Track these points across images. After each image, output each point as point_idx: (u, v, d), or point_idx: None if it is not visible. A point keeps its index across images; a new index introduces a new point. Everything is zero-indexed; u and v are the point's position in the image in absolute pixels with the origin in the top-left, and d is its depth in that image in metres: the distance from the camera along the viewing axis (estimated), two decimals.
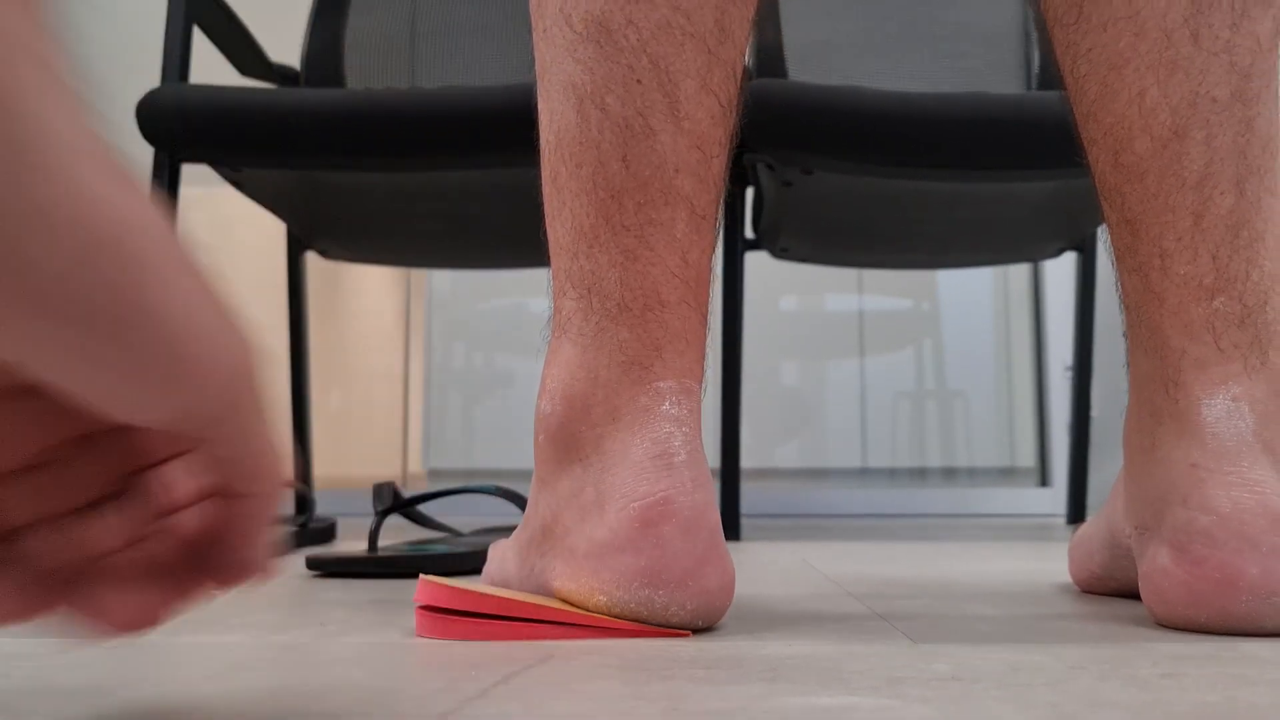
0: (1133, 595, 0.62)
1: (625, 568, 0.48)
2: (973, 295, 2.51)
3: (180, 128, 1.18)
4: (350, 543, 1.10)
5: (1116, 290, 0.57)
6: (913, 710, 0.33)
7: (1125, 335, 0.56)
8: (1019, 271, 2.42)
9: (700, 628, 0.50)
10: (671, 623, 0.49)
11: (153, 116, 1.17)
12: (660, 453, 0.49)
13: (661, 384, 0.51)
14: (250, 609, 0.59)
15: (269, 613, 0.58)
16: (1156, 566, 0.51)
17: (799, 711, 0.33)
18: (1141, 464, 0.53)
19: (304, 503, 1.13)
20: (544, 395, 0.54)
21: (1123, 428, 0.57)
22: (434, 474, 2.71)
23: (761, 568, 0.88)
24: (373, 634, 0.50)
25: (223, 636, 0.49)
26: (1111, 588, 0.64)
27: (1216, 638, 0.48)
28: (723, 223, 0.57)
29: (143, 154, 1.23)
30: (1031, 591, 0.68)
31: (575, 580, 0.50)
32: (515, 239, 1.28)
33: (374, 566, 0.76)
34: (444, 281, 2.74)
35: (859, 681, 0.38)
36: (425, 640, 0.48)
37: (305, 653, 0.45)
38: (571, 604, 0.51)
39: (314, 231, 1.52)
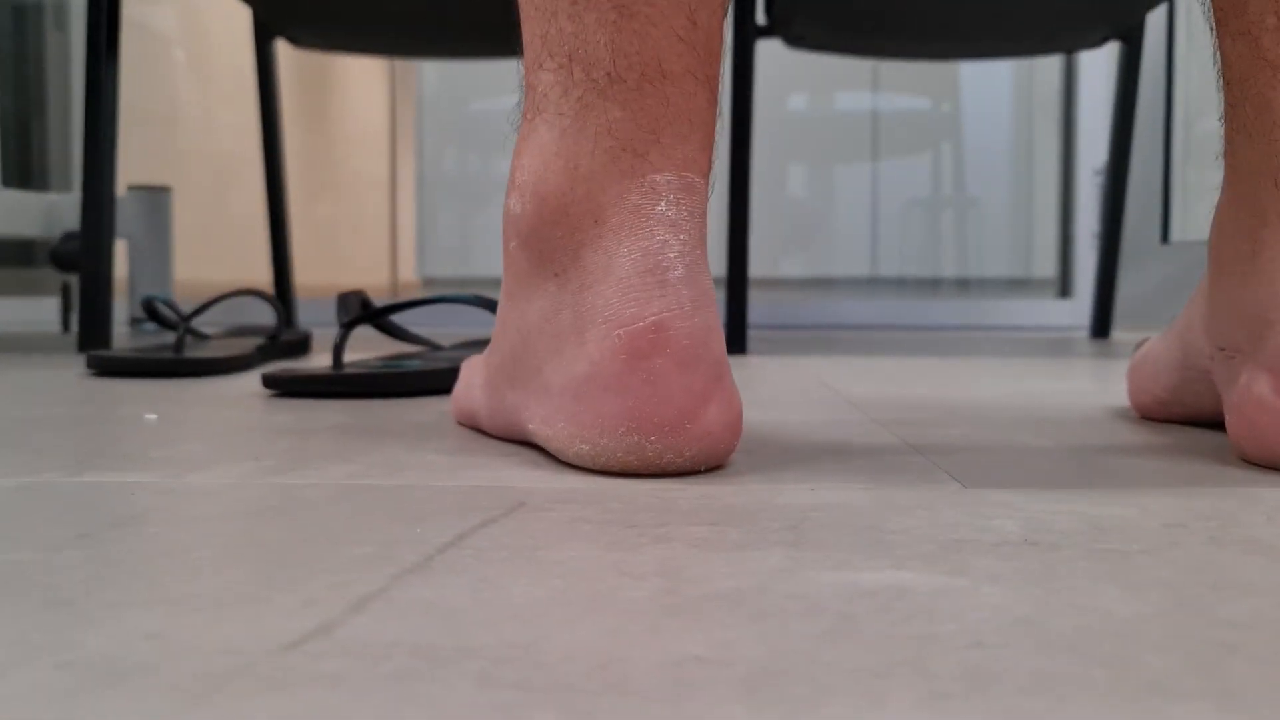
0: (1204, 424, 0.54)
1: (610, 410, 0.39)
2: (996, 94, 2.35)
3: None
4: (323, 358, 1.02)
5: (1215, 61, 0.47)
6: (984, 594, 0.25)
7: (1222, 118, 0.46)
8: (1047, 69, 2.25)
9: (702, 471, 0.41)
10: (667, 471, 0.40)
11: None
12: (652, 266, 0.39)
13: (658, 177, 0.41)
14: (180, 438, 0.51)
15: (199, 443, 0.50)
16: (1251, 396, 0.42)
17: (835, 595, 0.25)
18: (1237, 275, 0.44)
19: (278, 314, 1.04)
20: (513, 191, 0.44)
21: (1210, 230, 0.47)
22: (429, 282, 2.63)
23: (773, 389, 0.79)
24: (312, 472, 0.42)
25: (127, 475, 0.41)
26: (1178, 414, 0.56)
27: None
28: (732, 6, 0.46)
29: None
30: (1084, 417, 0.60)
31: (551, 425, 0.42)
32: (501, 23, 1.15)
33: (335, 385, 0.67)
34: (433, 80, 2.58)
35: (907, 547, 0.30)
36: (373, 482, 0.40)
37: (222, 499, 0.37)
38: (550, 451, 0.42)
39: (281, 16, 1.39)
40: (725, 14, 0.43)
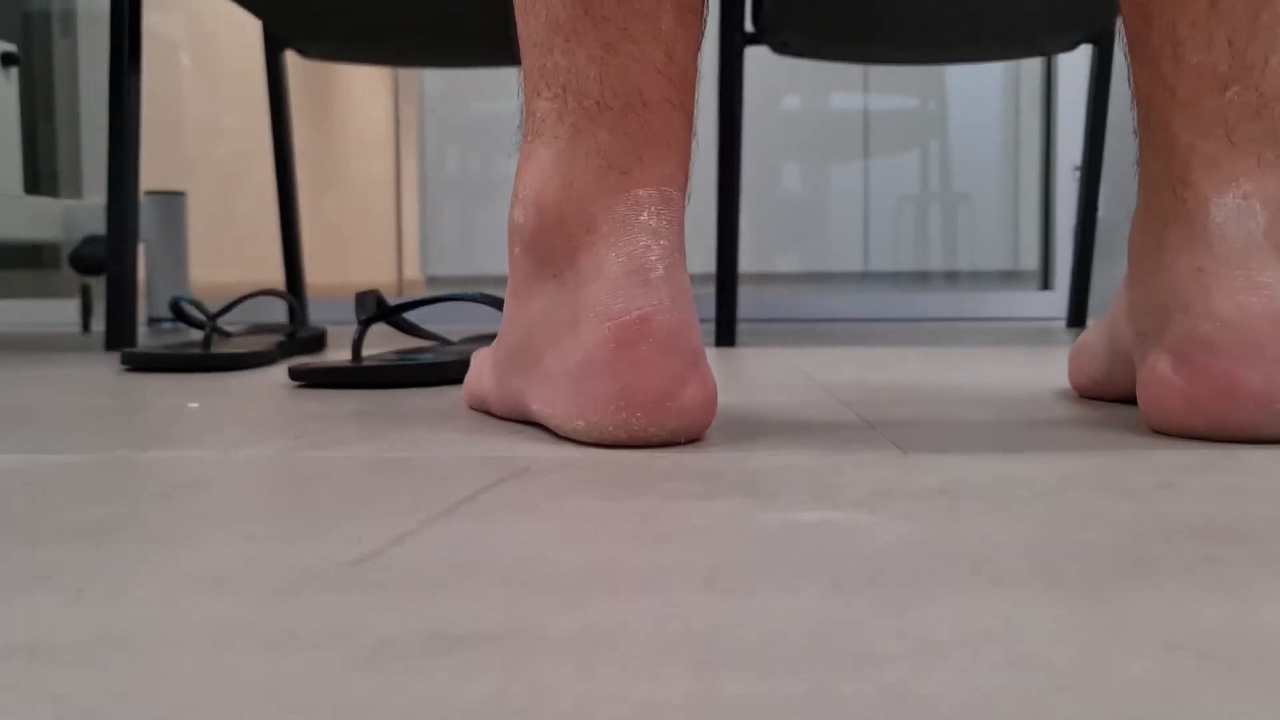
0: (1131, 401, 0.61)
1: (602, 391, 0.46)
2: (982, 94, 2.42)
3: None
4: (339, 352, 1.09)
5: (1129, 85, 0.53)
6: (894, 526, 0.32)
7: (1136, 134, 0.53)
8: (1030, 69, 2.32)
9: (682, 443, 0.48)
10: (652, 443, 0.47)
11: None
12: (637, 268, 0.46)
13: (640, 192, 0.47)
14: (224, 423, 0.57)
15: (242, 426, 0.56)
16: (1155, 374, 0.49)
17: (775, 528, 0.32)
18: (1146, 269, 0.51)
19: (294, 312, 1.11)
20: (516, 204, 0.51)
21: (1129, 231, 0.54)
22: (432, 281, 2.69)
23: (753, 376, 0.86)
24: (346, 448, 0.49)
25: (188, 451, 0.48)
26: (1110, 393, 0.62)
27: (1215, 446, 0.46)
28: (708, 17, 0.53)
29: None
30: (1028, 397, 0.67)
31: (552, 405, 0.49)
32: (502, 35, 1.22)
33: (357, 376, 0.74)
34: (435, 84, 2.64)
35: (842, 495, 0.37)
36: (400, 454, 0.47)
37: (270, 467, 0.44)
38: (551, 428, 0.49)
39: (290, 29, 1.45)
40: (699, 49, 0.50)
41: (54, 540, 0.31)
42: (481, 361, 0.60)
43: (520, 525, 0.33)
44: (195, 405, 0.64)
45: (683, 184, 0.49)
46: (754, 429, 0.53)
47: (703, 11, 0.50)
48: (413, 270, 2.78)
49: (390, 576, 0.27)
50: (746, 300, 1.31)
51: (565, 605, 0.25)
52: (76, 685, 0.20)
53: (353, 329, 0.80)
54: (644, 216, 0.47)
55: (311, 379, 0.75)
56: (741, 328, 1.32)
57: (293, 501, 0.37)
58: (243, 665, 0.21)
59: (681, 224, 0.49)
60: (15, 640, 0.22)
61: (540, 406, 0.50)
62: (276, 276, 1.60)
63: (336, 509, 0.35)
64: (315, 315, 1.65)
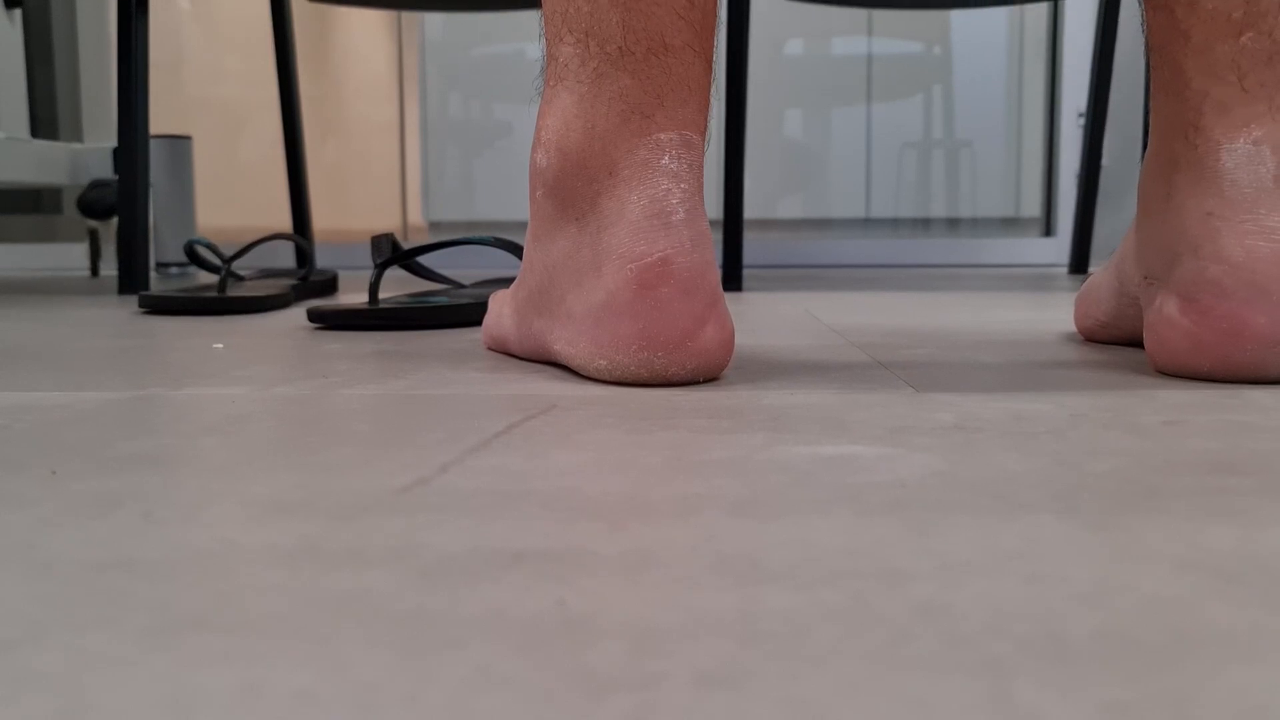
0: (1137, 344, 0.62)
1: (624, 332, 0.47)
2: (987, 39, 2.41)
3: None
4: (351, 296, 1.10)
5: (1142, 30, 0.54)
6: (916, 459, 0.33)
7: (1147, 79, 0.54)
8: (1036, 15, 2.31)
9: (701, 382, 0.49)
10: (672, 382, 0.48)
11: None
12: (658, 211, 0.47)
13: (662, 135, 0.48)
14: (251, 361, 0.59)
15: (270, 365, 0.58)
16: (1162, 316, 0.50)
17: (802, 460, 0.33)
18: (1155, 213, 0.52)
19: (304, 256, 1.12)
20: (539, 147, 0.52)
21: (1139, 176, 0.55)
22: (435, 226, 2.69)
23: (764, 319, 0.87)
24: (375, 385, 0.50)
25: (224, 389, 0.49)
26: (1116, 336, 0.64)
27: (1220, 386, 0.48)
28: None
29: None
30: (1036, 340, 0.68)
31: (574, 345, 0.50)
32: None
33: (375, 319, 0.75)
34: (437, 27, 2.63)
35: (862, 431, 0.38)
36: (429, 392, 0.48)
37: (307, 404, 0.45)
38: (573, 368, 0.51)
39: None
40: None
41: (115, 470, 0.32)
42: (501, 303, 0.61)
43: (556, 456, 0.34)
44: (220, 346, 0.65)
45: (703, 128, 0.50)
46: (770, 369, 0.55)
47: None
48: (416, 215, 2.78)
49: (441, 500, 0.29)
50: (749, 246, 1.32)
51: (608, 529, 0.26)
52: (169, 594, 0.21)
53: (359, 273, 0.81)
54: (665, 160, 0.48)
55: (331, 320, 0.76)
56: (745, 273, 1.34)
57: (336, 435, 0.39)
58: (318, 579, 0.22)
59: (701, 168, 0.50)
60: (104, 557, 0.24)
61: (562, 347, 0.52)
62: (280, 221, 1.60)
63: (379, 441, 0.37)
64: (320, 260, 1.66)
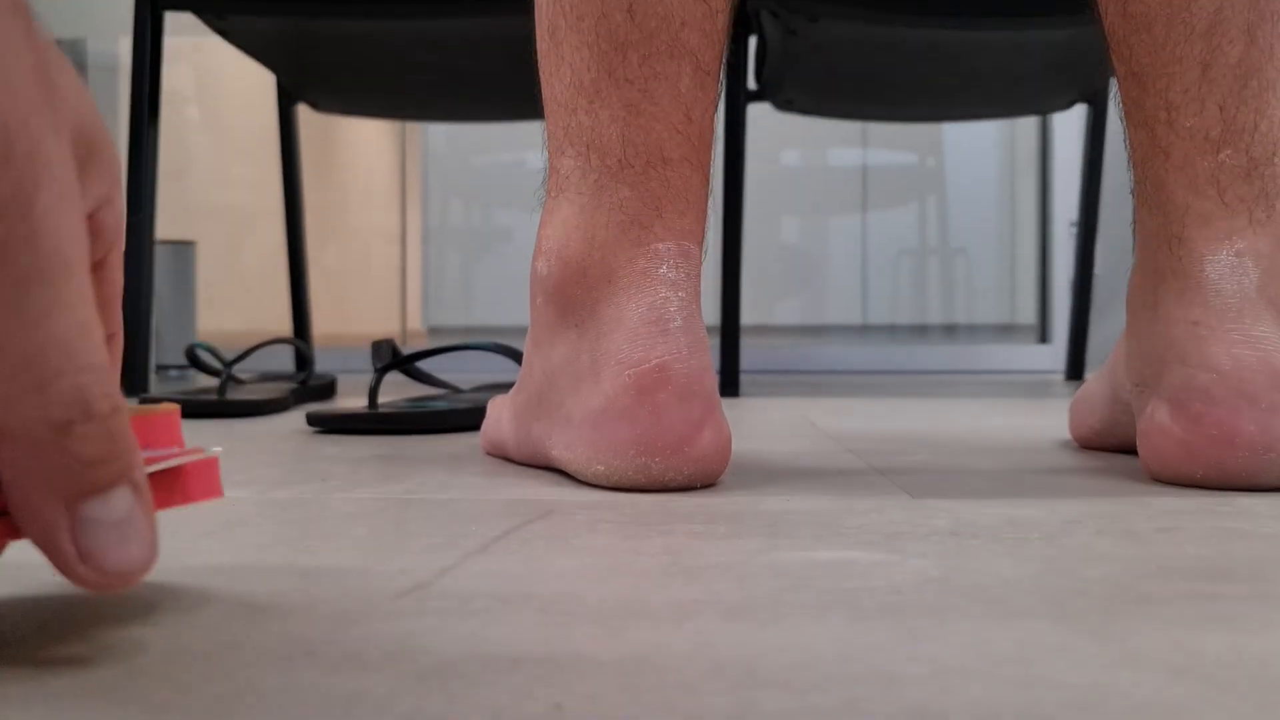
0: (1131, 452, 0.62)
1: (622, 437, 0.48)
2: (979, 150, 2.46)
3: None
4: (350, 399, 1.11)
5: (1125, 147, 0.56)
6: (910, 564, 0.34)
7: (1133, 192, 0.55)
8: (1026, 127, 2.37)
9: (698, 488, 0.50)
10: (669, 487, 0.49)
11: None
12: (656, 318, 0.48)
13: (660, 245, 0.50)
14: (251, 465, 0.59)
15: (270, 468, 0.58)
16: (1154, 423, 0.51)
17: (798, 565, 0.34)
18: (1143, 322, 0.53)
19: (303, 360, 1.13)
20: (540, 256, 0.53)
21: (1127, 286, 0.56)
22: (434, 331, 2.71)
23: (761, 425, 0.88)
24: (374, 489, 0.50)
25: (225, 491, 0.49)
26: (1111, 444, 0.64)
27: (1212, 493, 0.48)
28: (725, 77, 0.56)
29: (125, 2, 1.19)
30: (1030, 446, 0.69)
31: (572, 450, 0.50)
32: (511, 91, 1.25)
33: (374, 423, 0.76)
34: (440, 136, 2.69)
35: (857, 536, 0.38)
36: (427, 496, 0.48)
37: (306, 508, 0.45)
38: (571, 473, 0.51)
39: (304, 83, 1.49)
40: (715, 110, 0.53)
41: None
42: (499, 408, 0.62)
43: (553, 561, 0.34)
44: (219, 450, 0.66)
45: (700, 238, 0.52)
46: (767, 475, 0.55)
47: (719, 75, 0.53)
48: (415, 321, 2.81)
49: (439, 604, 0.29)
50: (747, 351, 1.33)
51: (605, 633, 0.26)
52: (170, 697, 0.21)
53: (358, 377, 0.82)
54: (663, 269, 0.49)
55: (330, 424, 0.77)
56: (743, 379, 1.35)
57: (334, 538, 0.39)
58: (317, 681, 0.22)
59: (699, 276, 0.51)
60: (103, 657, 0.24)
61: (560, 451, 0.52)
62: (281, 325, 1.62)
63: (377, 545, 0.37)
64: (320, 364, 1.67)
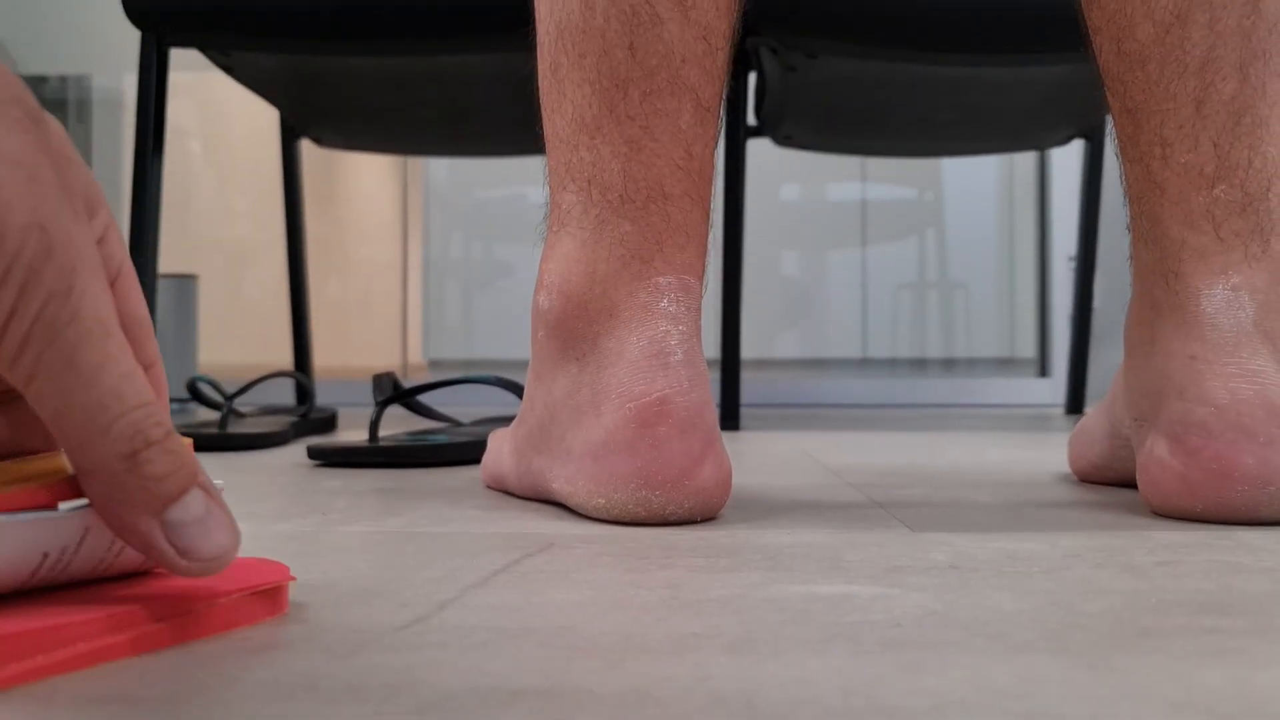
0: (1131, 485, 0.62)
1: (622, 470, 0.48)
2: (977, 185, 2.48)
3: (167, 10, 1.15)
4: (351, 433, 1.11)
5: (1121, 182, 0.56)
6: (910, 599, 0.34)
7: (1129, 228, 0.56)
8: (1024, 162, 2.38)
9: (698, 521, 0.50)
10: (669, 521, 0.49)
11: None
12: (657, 351, 0.49)
13: (660, 279, 0.50)
14: (252, 498, 0.59)
15: (271, 502, 0.58)
16: (1153, 457, 0.51)
17: (798, 599, 0.34)
18: (1141, 356, 0.53)
19: (304, 393, 1.13)
20: (541, 290, 0.53)
21: (1124, 320, 0.56)
22: (434, 364, 2.72)
23: (761, 458, 0.88)
24: (375, 523, 0.50)
25: None
26: (1110, 478, 0.64)
27: (1212, 527, 0.48)
28: (725, 113, 0.56)
29: (130, 38, 1.20)
30: (1030, 481, 0.69)
31: (573, 483, 0.50)
32: (514, 126, 1.26)
33: (375, 456, 0.76)
34: (441, 171, 2.70)
35: (857, 570, 0.38)
36: (428, 529, 0.48)
37: (307, 541, 0.45)
38: (571, 506, 0.51)
39: (307, 118, 1.50)
40: (715, 146, 0.53)
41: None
42: (500, 442, 0.62)
43: (553, 594, 0.34)
44: (220, 483, 0.66)
45: (700, 272, 0.52)
46: (767, 508, 0.55)
47: (719, 111, 0.54)
48: (416, 354, 2.81)
49: (439, 638, 0.29)
50: (747, 385, 1.33)
51: (605, 666, 0.26)
52: None
53: (359, 410, 0.82)
54: (664, 303, 0.49)
55: (331, 458, 0.77)
56: (743, 412, 1.35)
57: (336, 571, 0.39)
58: (317, 715, 0.22)
59: (699, 310, 0.51)
60: (106, 692, 0.24)
61: (561, 485, 0.52)
62: (282, 358, 1.62)
63: (377, 578, 0.37)
64: (321, 397, 1.67)
